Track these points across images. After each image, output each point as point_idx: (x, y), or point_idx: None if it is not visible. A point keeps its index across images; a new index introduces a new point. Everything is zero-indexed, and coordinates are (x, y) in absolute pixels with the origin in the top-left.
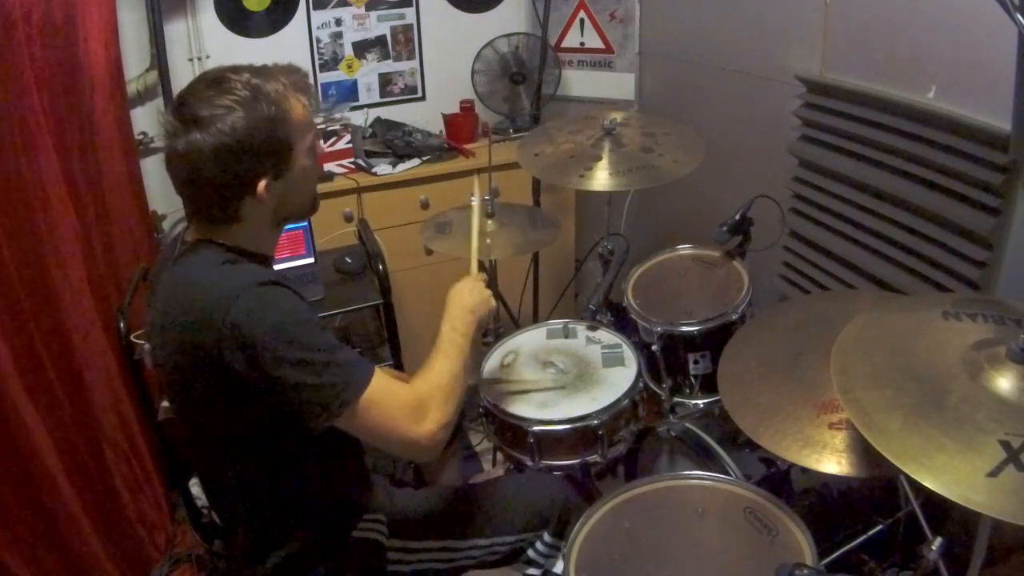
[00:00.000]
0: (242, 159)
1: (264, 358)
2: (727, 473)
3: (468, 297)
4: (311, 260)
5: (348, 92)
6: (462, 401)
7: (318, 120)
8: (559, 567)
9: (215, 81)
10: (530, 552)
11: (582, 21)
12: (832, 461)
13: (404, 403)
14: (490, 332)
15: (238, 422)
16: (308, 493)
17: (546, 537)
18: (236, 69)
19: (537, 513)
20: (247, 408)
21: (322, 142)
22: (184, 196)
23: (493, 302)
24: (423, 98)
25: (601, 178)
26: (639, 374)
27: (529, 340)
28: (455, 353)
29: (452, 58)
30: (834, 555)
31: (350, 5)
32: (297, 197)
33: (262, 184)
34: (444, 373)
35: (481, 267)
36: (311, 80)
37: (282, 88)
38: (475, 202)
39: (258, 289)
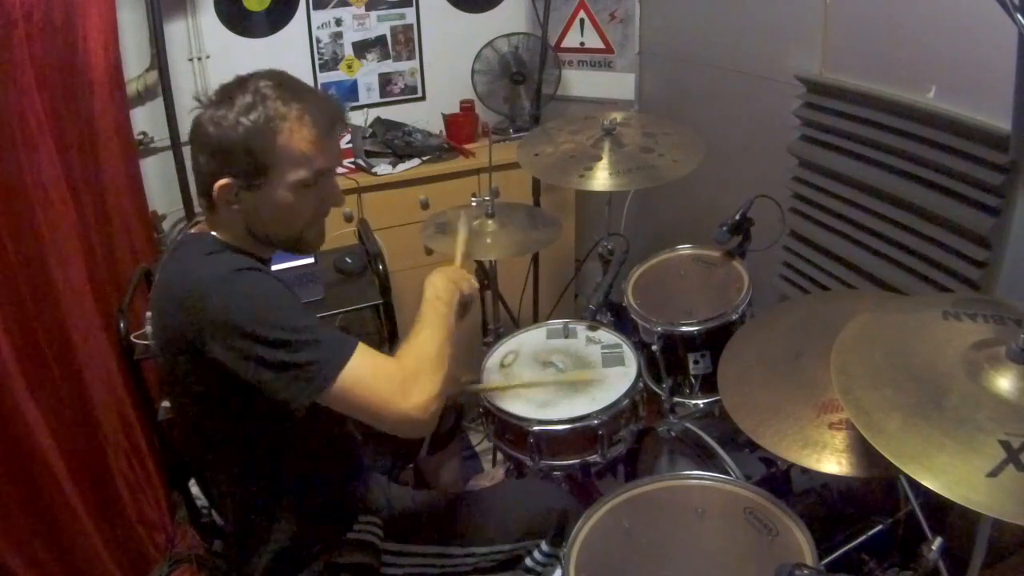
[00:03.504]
0: (215, 153)
1: (244, 341)
2: (727, 473)
3: (451, 273)
4: (311, 260)
5: (348, 92)
6: (451, 372)
7: None
8: (557, 575)
9: (243, 79)
10: (527, 560)
11: (582, 21)
12: (832, 461)
13: (391, 376)
14: (490, 332)
15: (229, 413)
16: (304, 489)
17: (544, 546)
18: (272, 75)
19: (535, 521)
20: (236, 397)
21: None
22: None
23: (476, 283)
24: (423, 98)
25: (601, 178)
26: (639, 374)
27: (529, 340)
28: (439, 321)
29: (452, 58)
30: (834, 555)
31: (350, 5)
32: (269, 220)
33: (220, 183)
34: (430, 342)
35: (480, 267)
36: (348, 123)
37: (294, 114)
38: (467, 212)
39: (234, 276)
